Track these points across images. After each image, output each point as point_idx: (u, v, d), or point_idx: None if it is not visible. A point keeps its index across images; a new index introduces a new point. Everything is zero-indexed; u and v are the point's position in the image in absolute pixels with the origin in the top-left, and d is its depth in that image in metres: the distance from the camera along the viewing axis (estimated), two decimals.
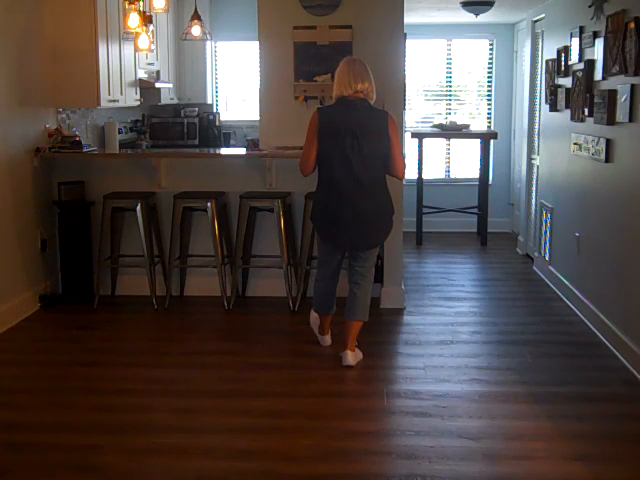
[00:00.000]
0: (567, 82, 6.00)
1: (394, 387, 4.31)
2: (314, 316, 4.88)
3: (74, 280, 5.98)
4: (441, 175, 9.23)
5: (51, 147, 5.86)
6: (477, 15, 7.21)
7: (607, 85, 4.98)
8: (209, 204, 5.67)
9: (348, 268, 4.69)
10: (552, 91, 6.45)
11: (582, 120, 5.56)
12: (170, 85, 8.21)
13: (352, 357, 4.56)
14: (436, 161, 9.17)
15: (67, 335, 5.27)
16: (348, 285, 4.67)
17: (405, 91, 6.63)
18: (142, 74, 7.31)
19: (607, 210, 5.07)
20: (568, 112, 5.94)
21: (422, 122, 9.16)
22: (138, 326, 5.55)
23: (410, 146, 8.19)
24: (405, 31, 5.87)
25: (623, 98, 4.64)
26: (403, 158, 4.59)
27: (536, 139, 7.38)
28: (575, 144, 5.74)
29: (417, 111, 9.23)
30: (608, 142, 4.97)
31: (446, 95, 9.19)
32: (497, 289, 6.54)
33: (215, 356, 4.82)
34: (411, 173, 8.53)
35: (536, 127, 7.38)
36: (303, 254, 5.68)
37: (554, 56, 6.43)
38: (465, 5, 7.08)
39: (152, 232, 5.91)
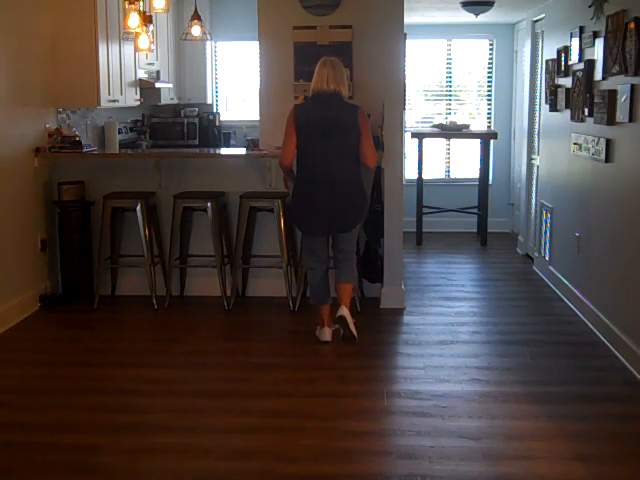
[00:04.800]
0: (567, 82, 6.00)
1: (394, 387, 4.32)
2: (319, 329, 5.07)
3: (74, 280, 5.97)
4: (441, 175, 9.23)
5: (51, 147, 5.86)
6: (477, 15, 7.21)
7: (607, 85, 4.98)
8: (209, 204, 5.67)
9: (333, 255, 5.13)
10: (552, 91, 6.45)
11: (582, 120, 5.56)
12: (170, 85, 8.21)
13: (347, 311, 4.96)
14: (436, 161, 9.16)
15: (67, 335, 5.27)
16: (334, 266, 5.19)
17: (405, 91, 6.62)
18: (142, 74, 7.31)
19: (607, 210, 5.07)
20: (568, 112, 5.94)
21: (422, 122, 9.16)
22: (138, 326, 5.56)
23: (410, 146, 8.19)
24: (405, 31, 5.86)
25: (623, 98, 4.64)
26: (373, 148, 4.92)
27: (536, 139, 7.37)
28: (575, 144, 5.74)
29: (417, 111, 9.22)
30: (608, 142, 4.97)
31: (446, 95, 9.18)
32: (497, 289, 6.54)
33: (215, 356, 4.83)
34: (411, 173, 8.56)
35: (536, 127, 7.38)
36: (303, 254, 5.68)
37: (554, 56, 6.42)
38: (465, 5, 7.08)
39: (152, 232, 5.91)
